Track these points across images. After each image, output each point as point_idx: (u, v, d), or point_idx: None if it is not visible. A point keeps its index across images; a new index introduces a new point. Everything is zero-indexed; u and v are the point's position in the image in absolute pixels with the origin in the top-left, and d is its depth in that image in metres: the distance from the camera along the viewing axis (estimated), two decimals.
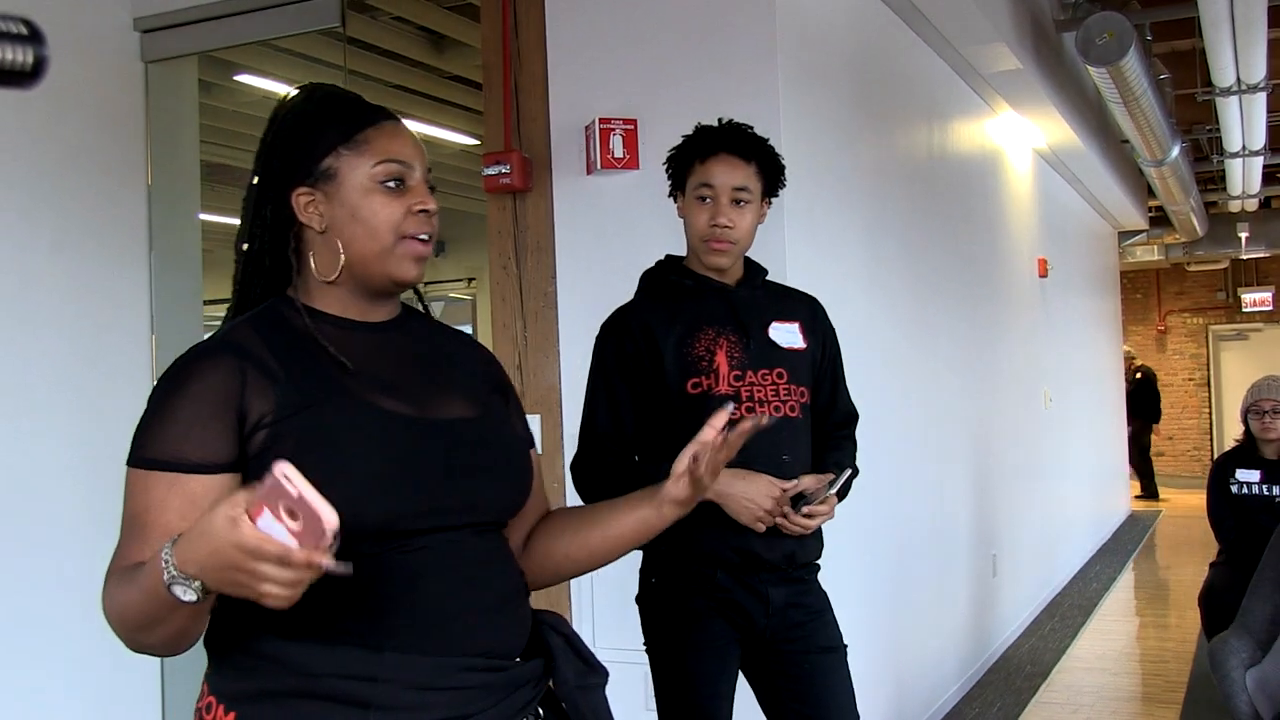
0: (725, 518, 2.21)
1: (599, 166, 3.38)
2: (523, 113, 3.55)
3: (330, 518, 1.07)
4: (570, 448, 2.60)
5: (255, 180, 1.46)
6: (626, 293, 2.42)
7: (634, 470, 2.25)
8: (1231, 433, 11.44)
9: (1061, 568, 7.61)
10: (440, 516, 1.37)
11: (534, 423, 3.50)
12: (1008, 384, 6.40)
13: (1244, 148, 8.42)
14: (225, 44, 4.20)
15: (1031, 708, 4.82)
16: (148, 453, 1.33)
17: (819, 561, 2.40)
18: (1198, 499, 5.03)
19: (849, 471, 2.31)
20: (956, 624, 5.15)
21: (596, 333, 2.38)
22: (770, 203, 2.38)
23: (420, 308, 1.56)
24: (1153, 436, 12.39)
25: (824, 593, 2.39)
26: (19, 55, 1.20)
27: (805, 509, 2.23)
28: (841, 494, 2.32)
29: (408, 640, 1.32)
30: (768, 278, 2.43)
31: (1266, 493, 4.37)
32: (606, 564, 1.61)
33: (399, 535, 1.34)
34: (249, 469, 1.33)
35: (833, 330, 2.48)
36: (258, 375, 1.35)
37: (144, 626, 1.26)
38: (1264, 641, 3.14)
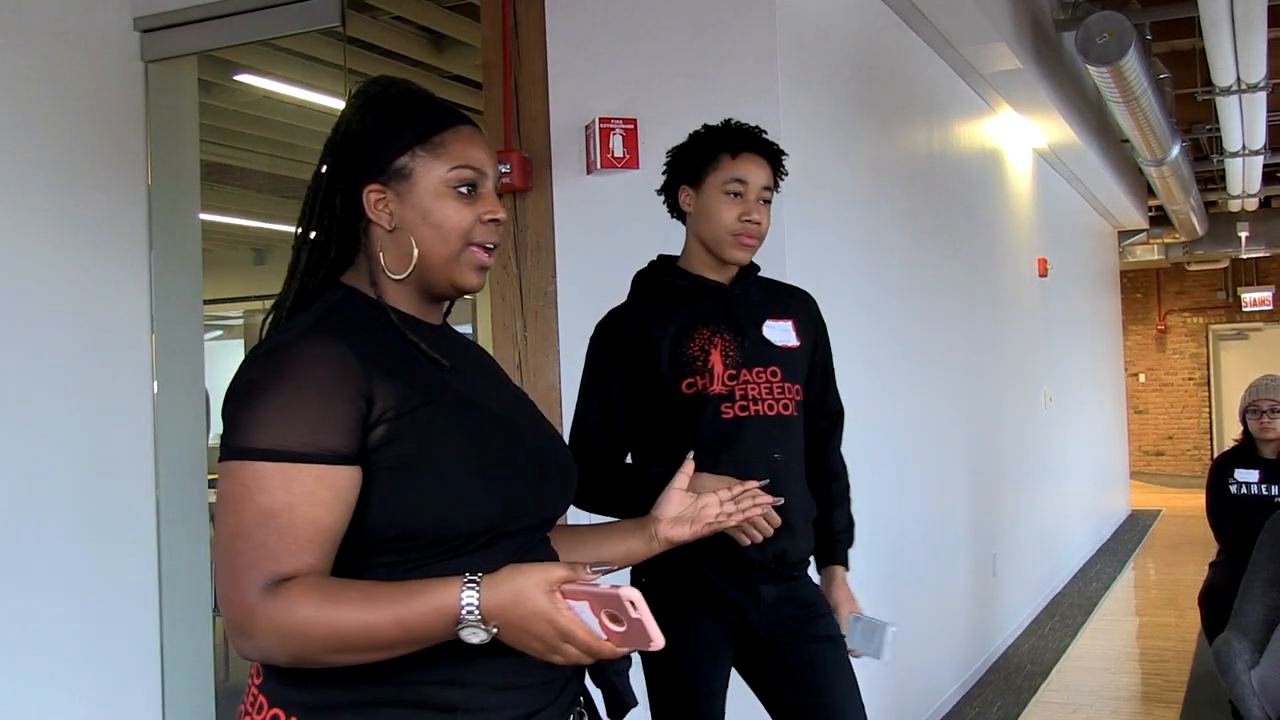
0: None
1: (599, 166, 3.39)
2: (523, 112, 3.55)
3: (660, 643, 1.19)
4: None
5: (323, 169, 1.42)
6: (626, 292, 2.42)
7: (624, 474, 2.25)
8: (1231, 432, 11.45)
9: (1061, 567, 7.61)
10: (529, 517, 1.40)
11: None
12: (1007, 384, 6.40)
13: (1244, 147, 8.42)
14: (225, 44, 4.20)
15: (1031, 707, 4.82)
16: (283, 443, 1.24)
17: (809, 558, 2.42)
18: (1197, 499, 5.03)
19: (892, 629, 2.40)
20: (956, 623, 5.15)
21: (592, 334, 2.37)
22: None
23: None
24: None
25: (816, 587, 2.41)
26: None
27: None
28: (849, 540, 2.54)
29: (492, 642, 1.30)
30: (759, 273, 2.44)
31: (1265, 492, 4.37)
32: None
33: (493, 535, 1.34)
34: (367, 464, 1.29)
35: (824, 326, 2.48)
36: (374, 367, 1.31)
37: (362, 650, 1.22)
38: (1259, 642, 3.14)
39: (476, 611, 1.19)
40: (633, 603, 1.17)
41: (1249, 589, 3.30)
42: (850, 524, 2.56)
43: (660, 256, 2.43)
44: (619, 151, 3.38)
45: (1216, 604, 4.32)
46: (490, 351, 3.67)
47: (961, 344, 5.45)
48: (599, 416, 2.29)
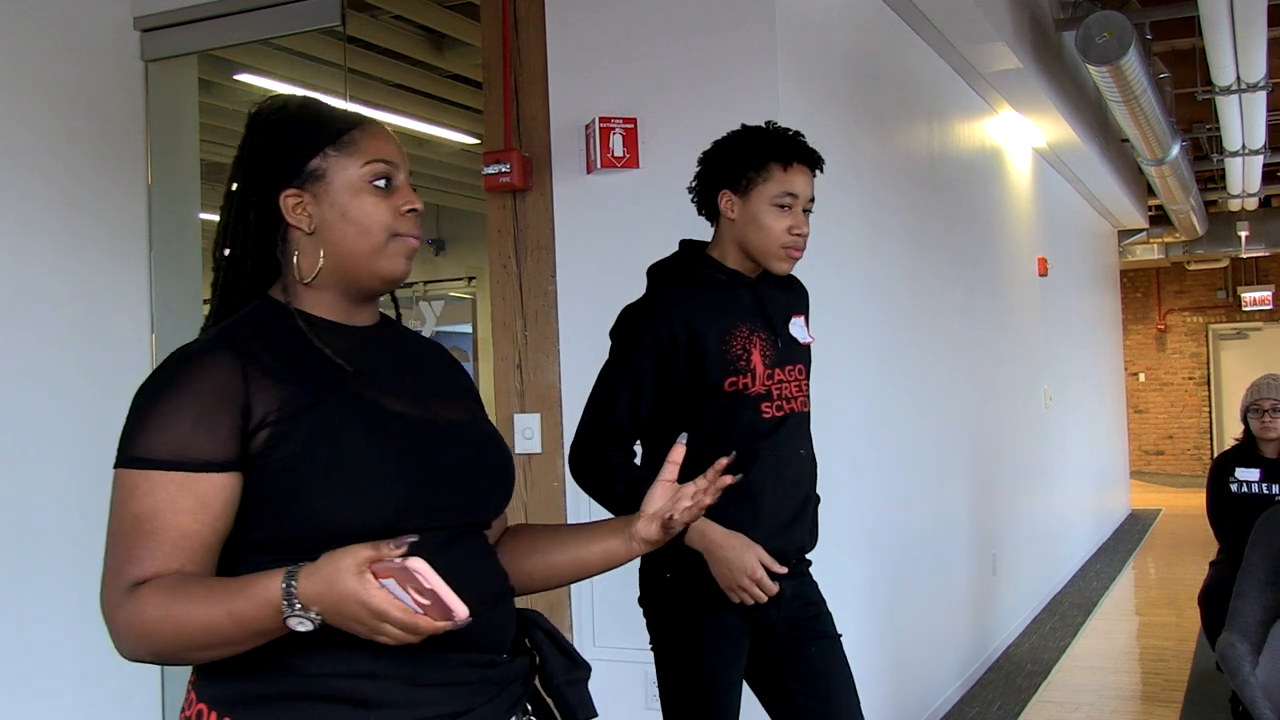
0: (746, 514, 2.23)
1: (599, 165, 3.38)
2: (523, 112, 3.55)
3: (463, 613, 1.17)
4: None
5: (234, 186, 1.44)
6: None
7: (636, 477, 2.23)
8: (1231, 431, 11.45)
9: (1062, 566, 7.61)
10: (441, 516, 1.39)
11: (534, 422, 3.50)
12: (1008, 383, 6.40)
13: (1244, 146, 8.42)
14: (225, 43, 4.20)
15: (1031, 706, 4.82)
16: (152, 452, 1.30)
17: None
18: (1197, 498, 5.03)
19: None
20: (957, 623, 5.15)
21: (621, 322, 2.32)
22: None
23: (394, 314, 1.57)
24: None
25: (816, 584, 2.43)
26: None
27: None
28: None
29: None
30: None
31: (1266, 491, 4.37)
32: (564, 585, 1.65)
33: (401, 534, 1.34)
34: (251, 468, 1.32)
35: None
36: (259, 374, 1.34)
37: (208, 646, 1.25)
38: (1256, 643, 3.14)
39: (296, 600, 1.19)
40: (420, 573, 1.15)
41: (1244, 589, 3.30)
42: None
43: (687, 243, 2.41)
44: (619, 151, 3.38)
45: (1217, 603, 4.32)
46: (491, 351, 3.68)
47: (962, 343, 5.45)
48: (628, 405, 2.26)
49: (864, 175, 4.16)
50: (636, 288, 2.40)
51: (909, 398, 4.59)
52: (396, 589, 1.17)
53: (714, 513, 2.21)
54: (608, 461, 2.27)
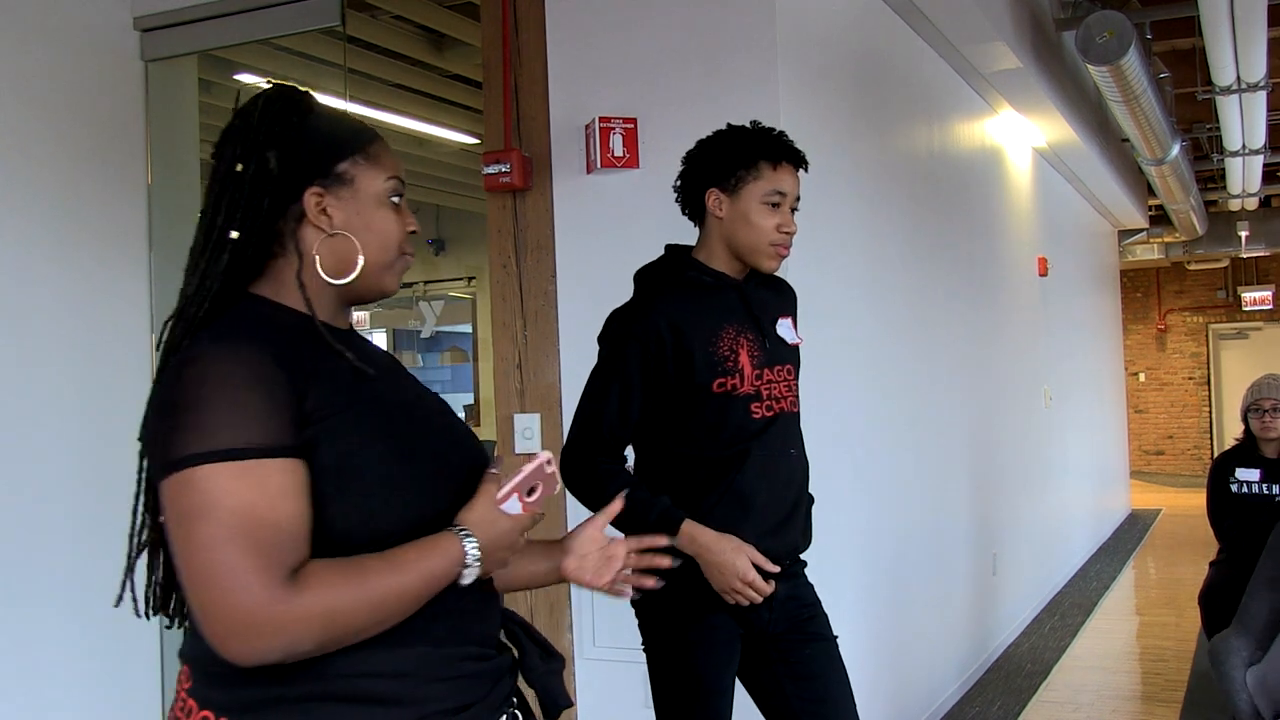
0: (737, 514, 2.24)
1: (599, 165, 3.38)
2: (523, 112, 3.55)
3: (554, 487, 1.42)
4: None
5: (240, 167, 1.36)
6: (627, 291, 2.41)
7: (625, 484, 2.22)
8: (1232, 431, 11.44)
9: (1061, 566, 7.61)
10: (451, 514, 1.39)
11: (534, 422, 3.50)
12: (1008, 383, 6.40)
13: (1244, 146, 8.42)
14: (225, 43, 4.20)
15: (1031, 706, 4.82)
16: (242, 441, 1.22)
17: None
18: (1197, 498, 5.03)
19: None
20: (957, 623, 5.15)
21: (609, 327, 2.32)
22: None
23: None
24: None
25: (813, 586, 2.43)
26: None
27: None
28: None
29: (420, 634, 1.33)
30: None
31: (1266, 491, 4.36)
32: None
33: (423, 532, 1.35)
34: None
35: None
36: (296, 372, 1.30)
37: (393, 616, 1.29)
38: (1263, 641, 3.14)
39: (474, 546, 1.33)
40: (549, 461, 1.41)
41: (1256, 588, 3.30)
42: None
43: (672, 248, 2.41)
44: (619, 151, 3.38)
45: (1217, 603, 4.32)
46: (491, 351, 3.67)
47: (962, 343, 5.45)
48: (616, 410, 2.26)
49: (864, 174, 4.16)
50: None
51: (909, 398, 4.59)
52: (515, 504, 1.38)
53: (706, 515, 2.23)
54: (597, 469, 2.27)
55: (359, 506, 1.30)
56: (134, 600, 1.41)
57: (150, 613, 1.41)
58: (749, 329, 2.30)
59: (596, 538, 1.61)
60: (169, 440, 1.23)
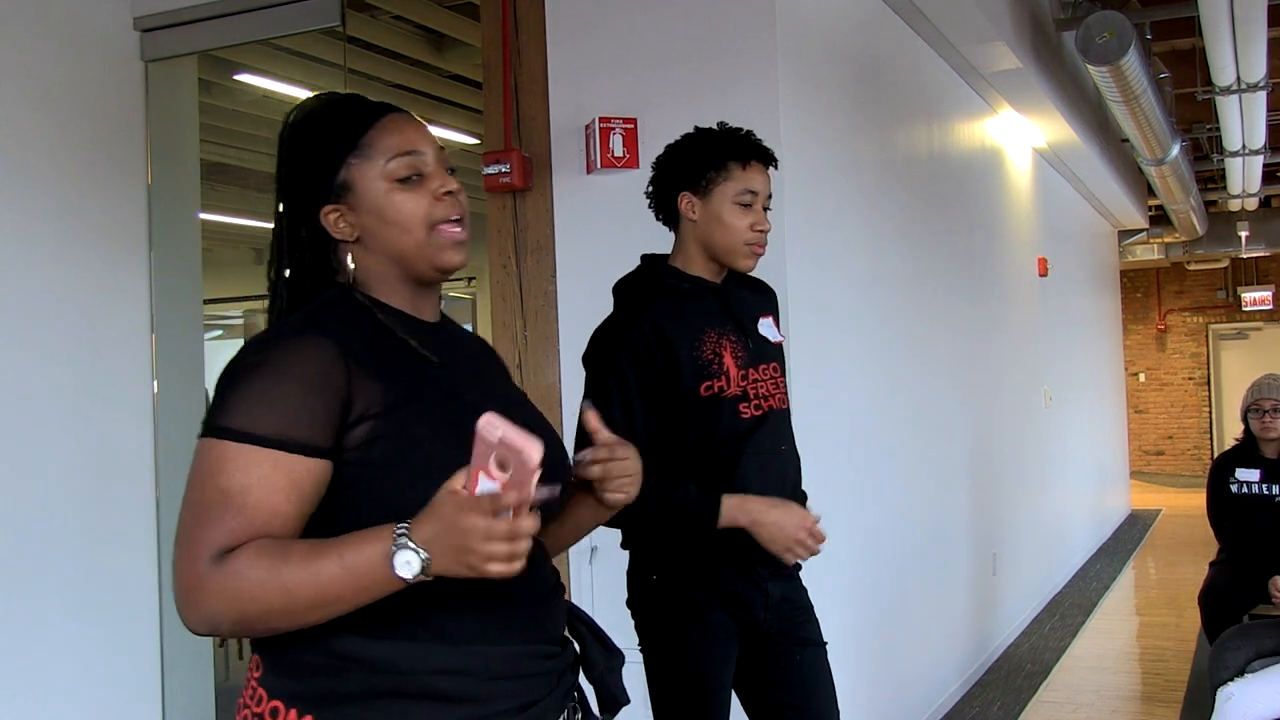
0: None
1: (599, 166, 3.38)
2: (523, 112, 3.55)
3: (533, 451, 1.14)
4: (568, 446, 2.58)
5: (280, 208, 1.45)
6: None
7: (662, 494, 2.21)
8: (1231, 432, 11.44)
9: (1061, 567, 7.61)
10: None
11: None
12: (1008, 383, 6.40)
13: (1244, 146, 8.42)
14: (225, 43, 4.20)
15: (1031, 707, 4.82)
16: (252, 427, 1.27)
17: None
18: (1197, 498, 5.03)
19: None
20: (956, 623, 5.15)
21: (596, 343, 2.31)
22: None
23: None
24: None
25: (805, 589, 2.43)
26: None
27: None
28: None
29: (485, 632, 1.34)
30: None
31: (1266, 492, 4.36)
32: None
33: None
34: (344, 460, 1.31)
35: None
36: (357, 366, 1.33)
37: (312, 606, 1.23)
38: (1265, 650, 3.12)
39: (406, 538, 1.20)
40: (490, 423, 1.15)
41: None
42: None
43: (648, 257, 2.43)
44: (619, 151, 3.38)
45: (1217, 603, 4.32)
46: None
47: (962, 343, 5.45)
48: (621, 417, 2.23)
49: (864, 175, 4.16)
50: None
51: (908, 399, 4.59)
52: (486, 484, 1.17)
53: None
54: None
55: (416, 500, 1.27)
56: None
57: None
58: (731, 330, 2.31)
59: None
60: (211, 408, 1.31)
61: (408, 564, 1.20)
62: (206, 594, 1.23)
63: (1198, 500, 4.99)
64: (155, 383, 3.93)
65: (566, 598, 1.56)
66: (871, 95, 4.26)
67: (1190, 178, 9.13)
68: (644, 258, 2.43)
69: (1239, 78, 6.70)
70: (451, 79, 6.49)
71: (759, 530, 2.22)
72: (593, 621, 1.55)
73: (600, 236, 3.44)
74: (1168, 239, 12.16)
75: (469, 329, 1.69)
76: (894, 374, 4.42)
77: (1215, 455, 5.42)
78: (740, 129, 2.34)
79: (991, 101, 6.04)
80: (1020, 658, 5.63)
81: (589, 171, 3.44)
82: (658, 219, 2.41)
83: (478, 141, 7.13)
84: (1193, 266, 13.83)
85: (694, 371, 2.25)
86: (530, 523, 1.19)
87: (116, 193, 3.87)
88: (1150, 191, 10.16)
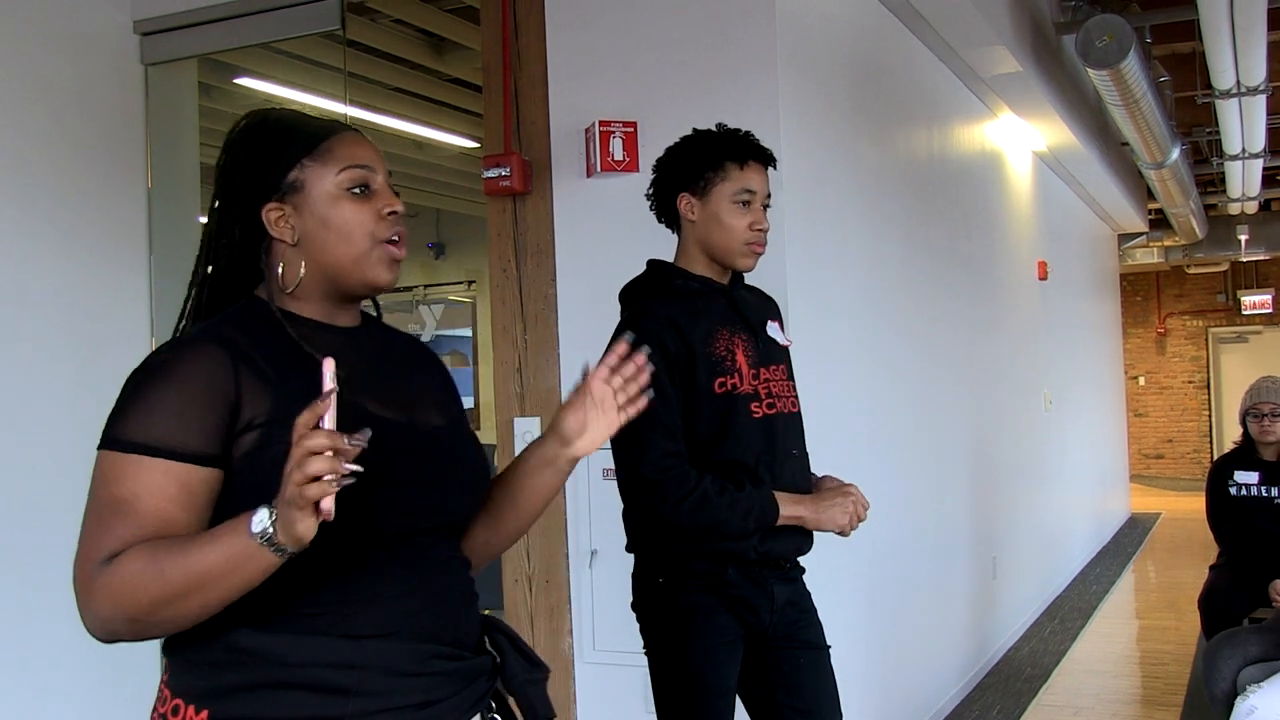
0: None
1: (599, 169, 3.39)
2: (523, 115, 3.55)
3: (325, 374, 1.18)
4: None
5: (216, 204, 1.47)
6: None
7: (729, 492, 2.21)
8: (1231, 435, 11.43)
9: (1061, 570, 7.61)
10: (417, 519, 1.43)
11: (534, 426, 3.50)
12: (1008, 386, 6.40)
13: (1244, 150, 8.43)
14: (225, 47, 4.20)
15: (1031, 710, 4.82)
16: (138, 436, 1.31)
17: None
18: (1197, 502, 5.03)
19: None
20: (956, 626, 5.15)
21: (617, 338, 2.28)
22: None
23: (374, 312, 1.59)
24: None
25: (809, 593, 2.44)
26: None
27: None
28: None
29: (384, 630, 1.37)
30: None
31: (1265, 494, 4.37)
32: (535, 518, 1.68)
33: (380, 534, 1.39)
34: (234, 469, 1.33)
35: None
36: (250, 374, 1.35)
37: (189, 591, 1.23)
38: (1269, 649, 3.11)
39: (268, 510, 1.20)
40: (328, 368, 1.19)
41: None
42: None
43: (654, 262, 2.43)
44: (619, 154, 3.38)
45: (1216, 606, 4.32)
46: (491, 355, 3.67)
47: (962, 346, 5.45)
48: (666, 435, 2.21)
49: (864, 178, 4.16)
50: None
51: (909, 402, 4.59)
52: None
53: None
54: (705, 491, 2.21)
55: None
56: None
57: None
58: (741, 330, 2.32)
59: (578, 405, 1.56)
60: (108, 418, 1.35)
61: (260, 520, 1.21)
62: (94, 596, 1.27)
63: (1197, 503, 4.99)
64: None
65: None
66: (871, 99, 4.27)
67: (1190, 181, 9.13)
68: (650, 262, 2.44)
69: (1239, 81, 6.71)
70: (451, 82, 6.49)
71: (816, 520, 2.27)
72: (515, 635, 1.58)
73: (600, 240, 3.44)
74: (1167, 242, 12.16)
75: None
76: (893, 378, 4.42)
77: (1214, 458, 5.42)
78: (738, 130, 2.35)
79: (991, 105, 6.05)
80: (1020, 661, 5.63)
81: (589, 175, 3.44)
82: (659, 221, 2.41)
83: (477, 145, 7.14)
84: (1192, 270, 13.84)
85: (708, 368, 2.25)
86: (333, 442, 1.17)
87: (117, 195, 3.88)
88: (1150, 195, 10.16)
